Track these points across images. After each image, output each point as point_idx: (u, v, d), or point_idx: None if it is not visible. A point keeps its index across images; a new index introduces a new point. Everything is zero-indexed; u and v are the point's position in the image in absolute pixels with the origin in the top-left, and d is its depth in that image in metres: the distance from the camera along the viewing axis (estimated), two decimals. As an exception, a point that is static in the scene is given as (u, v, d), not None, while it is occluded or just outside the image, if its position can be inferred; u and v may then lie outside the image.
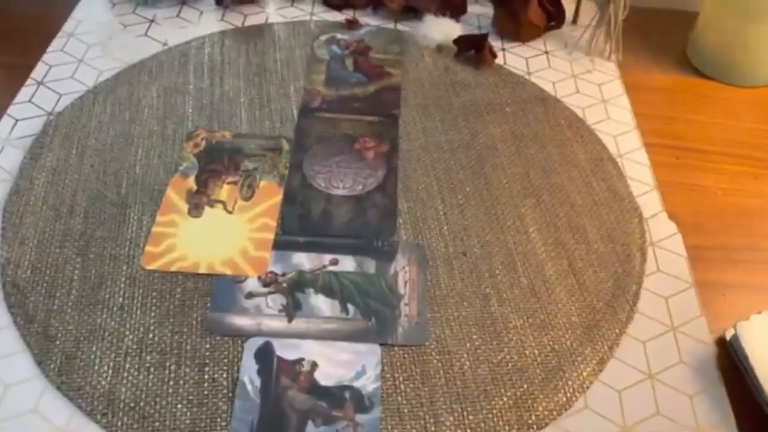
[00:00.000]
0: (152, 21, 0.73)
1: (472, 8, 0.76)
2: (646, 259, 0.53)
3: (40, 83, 0.64)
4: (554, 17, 0.73)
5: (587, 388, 0.45)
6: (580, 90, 0.67)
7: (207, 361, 0.45)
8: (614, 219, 0.55)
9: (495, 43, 0.71)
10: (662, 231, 0.55)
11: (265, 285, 0.49)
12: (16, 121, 0.60)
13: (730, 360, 0.46)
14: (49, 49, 0.68)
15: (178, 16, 0.74)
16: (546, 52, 0.72)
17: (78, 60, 0.67)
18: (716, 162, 0.62)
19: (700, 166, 0.61)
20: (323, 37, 0.72)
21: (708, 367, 0.46)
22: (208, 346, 0.46)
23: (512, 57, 0.71)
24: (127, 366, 0.44)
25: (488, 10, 0.76)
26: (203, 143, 0.59)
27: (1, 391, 0.43)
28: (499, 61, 0.70)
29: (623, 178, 0.59)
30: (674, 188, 0.59)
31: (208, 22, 0.73)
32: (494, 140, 0.61)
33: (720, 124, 0.66)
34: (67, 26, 0.71)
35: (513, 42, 0.73)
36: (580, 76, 0.69)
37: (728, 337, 0.47)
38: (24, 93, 0.63)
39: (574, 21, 0.76)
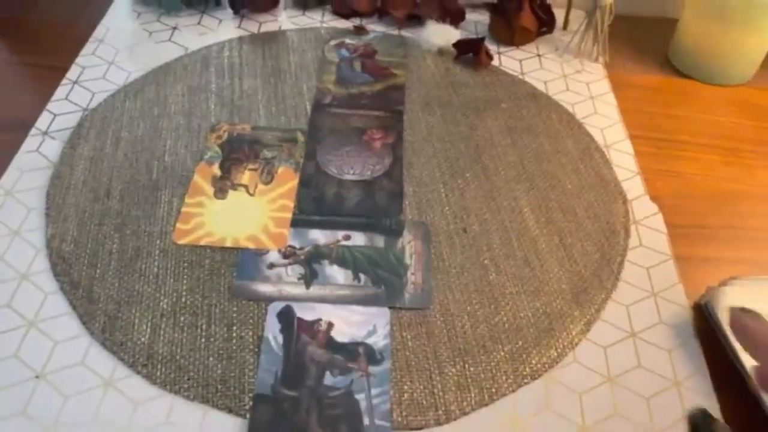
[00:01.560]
0: (175, 28, 0.79)
1: (469, 16, 0.82)
2: (629, 235, 0.58)
3: (74, 82, 0.70)
4: (546, 23, 0.80)
5: (576, 344, 0.50)
6: (569, 88, 0.73)
7: (234, 321, 0.50)
8: (601, 201, 0.61)
9: (491, 47, 0.78)
10: (645, 211, 0.60)
11: (285, 257, 0.55)
12: (55, 116, 0.66)
13: (705, 320, 0.51)
14: (82, 52, 0.74)
15: (198, 24, 0.80)
16: (538, 55, 0.78)
17: (108, 62, 0.73)
18: (694, 151, 0.67)
19: (679, 155, 0.67)
20: (333, 42, 0.78)
21: (685, 326, 0.51)
22: (235, 309, 0.51)
23: (507, 59, 0.77)
24: (163, 326, 0.49)
25: (485, 18, 0.82)
26: (225, 135, 0.65)
27: (50, 346, 0.48)
28: (495, 63, 0.76)
29: (609, 165, 0.64)
30: (656, 174, 0.64)
31: (227, 29, 0.79)
32: (491, 133, 0.67)
33: (698, 118, 0.71)
34: (97, 33, 0.77)
35: (508, 46, 0.79)
36: (569, 76, 0.75)
37: (702, 301, 0.52)
38: (60, 91, 0.69)
39: (564, 27, 0.82)
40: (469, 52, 0.76)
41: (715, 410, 0.47)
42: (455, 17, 0.81)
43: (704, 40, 0.74)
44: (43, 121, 0.65)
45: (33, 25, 0.80)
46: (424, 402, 0.46)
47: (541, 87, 0.73)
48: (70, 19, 0.81)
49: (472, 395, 0.47)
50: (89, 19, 0.80)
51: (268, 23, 0.81)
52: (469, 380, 0.47)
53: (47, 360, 0.47)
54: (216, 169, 0.61)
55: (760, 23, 0.71)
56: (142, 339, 0.48)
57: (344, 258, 0.55)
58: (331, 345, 0.49)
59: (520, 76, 0.75)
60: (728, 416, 0.46)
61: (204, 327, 0.50)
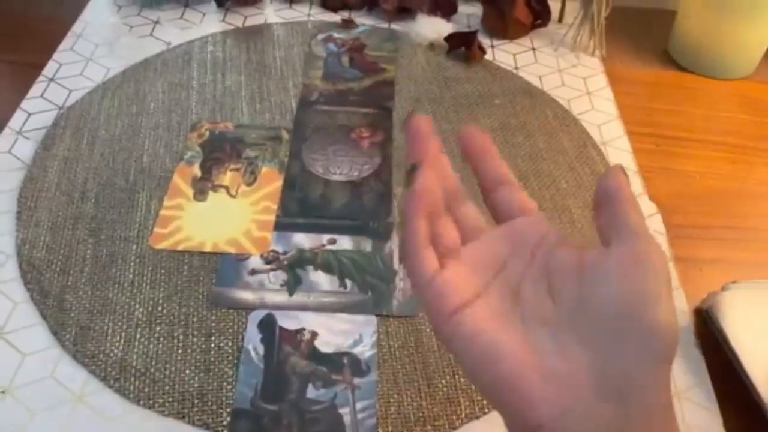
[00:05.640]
0: (156, 22, 0.76)
1: (462, 8, 0.80)
2: (627, 237, 0.56)
3: (51, 80, 0.67)
4: (540, 16, 0.77)
5: (572, 353, 0.48)
6: (565, 83, 0.71)
7: (213, 331, 0.48)
8: (597, 200, 0.58)
9: (484, 40, 0.75)
10: (643, 211, 0.58)
11: (267, 262, 0.52)
12: (29, 114, 0.63)
13: (706, 326, 0.49)
14: (59, 48, 0.71)
15: (181, 17, 0.77)
16: (533, 49, 0.76)
17: (86, 58, 0.70)
18: (695, 149, 0.65)
19: (679, 152, 0.65)
20: (320, 36, 0.75)
21: (685, 333, 0.49)
22: (213, 317, 0.48)
23: (501, 53, 0.75)
24: (138, 336, 0.47)
25: (477, 10, 0.80)
26: (207, 134, 0.62)
27: (19, 360, 0.46)
28: (488, 57, 0.74)
29: (606, 163, 0.62)
30: (655, 173, 0.62)
31: (210, 23, 0.76)
32: (483, 130, 0.64)
33: (699, 113, 0.69)
34: (76, 27, 0.74)
35: (501, 39, 0.76)
36: (565, 71, 0.73)
37: (704, 306, 0.50)
38: (36, 89, 0.66)
39: (560, 19, 0.79)
40: (462, 46, 0.73)
41: (717, 423, 0.44)
42: (447, 10, 0.78)
43: (705, 32, 0.72)
44: (16, 121, 0.63)
45: (8, 20, 0.77)
46: (412, 416, 0.44)
47: (535, 82, 0.71)
48: (48, 14, 0.78)
49: (462, 408, 0.44)
50: (68, 13, 0.77)
51: (253, 17, 0.78)
52: (459, 392, 0.45)
53: (15, 373, 0.45)
54: (196, 170, 0.59)
55: (763, 15, 0.69)
56: (115, 351, 0.46)
57: (329, 263, 0.52)
58: (315, 356, 0.46)
59: (514, 71, 0.72)
60: (731, 428, 0.44)
61: (181, 338, 0.47)
